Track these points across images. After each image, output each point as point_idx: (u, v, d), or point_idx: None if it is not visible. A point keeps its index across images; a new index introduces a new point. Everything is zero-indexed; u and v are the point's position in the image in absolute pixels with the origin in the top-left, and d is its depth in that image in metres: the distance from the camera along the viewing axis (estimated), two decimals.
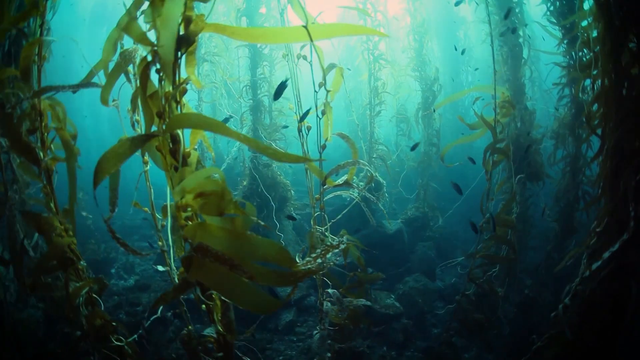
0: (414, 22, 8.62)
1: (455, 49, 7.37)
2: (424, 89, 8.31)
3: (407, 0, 8.61)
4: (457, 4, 5.57)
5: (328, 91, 2.65)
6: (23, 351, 4.04)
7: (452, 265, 6.76)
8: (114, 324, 3.08)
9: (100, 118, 19.05)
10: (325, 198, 3.56)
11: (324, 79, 2.59)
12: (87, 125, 19.16)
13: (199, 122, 1.68)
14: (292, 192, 7.08)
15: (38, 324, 4.39)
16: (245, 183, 6.59)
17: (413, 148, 6.48)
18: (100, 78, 2.59)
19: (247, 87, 6.73)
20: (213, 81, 7.86)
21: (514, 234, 4.61)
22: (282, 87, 2.90)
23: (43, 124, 3.36)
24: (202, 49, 7.47)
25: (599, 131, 2.83)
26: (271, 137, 6.47)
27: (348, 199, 7.87)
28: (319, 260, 2.21)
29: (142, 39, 2.00)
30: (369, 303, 3.50)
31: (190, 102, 6.89)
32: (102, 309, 3.12)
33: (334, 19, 12.03)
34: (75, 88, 2.78)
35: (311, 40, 1.64)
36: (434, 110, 8.10)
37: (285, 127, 6.88)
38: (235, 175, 8.31)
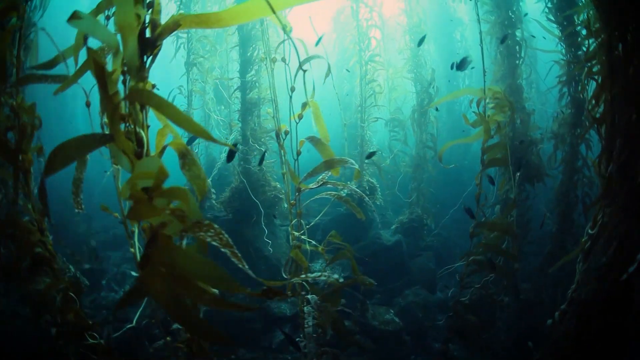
0: (410, 23, 8.47)
1: (454, 68, 7.15)
2: (420, 91, 8.13)
3: (404, 0, 8.47)
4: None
5: (304, 70, 2.48)
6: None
7: (453, 276, 6.53)
8: (90, 322, 3.05)
9: (95, 124, 18.86)
10: (313, 203, 3.41)
11: (301, 65, 2.42)
12: (81, 130, 19.01)
13: (146, 98, 1.62)
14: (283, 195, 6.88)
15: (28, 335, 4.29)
16: (233, 185, 6.42)
17: (369, 156, 6.30)
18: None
19: (238, 89, 6.58)
20: (202, 81, 7.67)
21: (515, 242, 4.41)
22: (232, 153, 3.01)
23: (21, 123, 3.32)
24: (191, 54, 7.32)
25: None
26: (260, 141, 6.30)
27: (344, 210, 7.71)
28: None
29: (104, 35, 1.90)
30: (343, 300, 3.37)
31: (180, 108, 6.65)
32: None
33: (328, 20, 11.96)
34: (44, 76, 2.79)
35: (273, 12, 1.47)
36: (437, 109, 7.91)
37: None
38: (229, 183, 8.14)
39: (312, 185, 2.90)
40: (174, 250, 1.35)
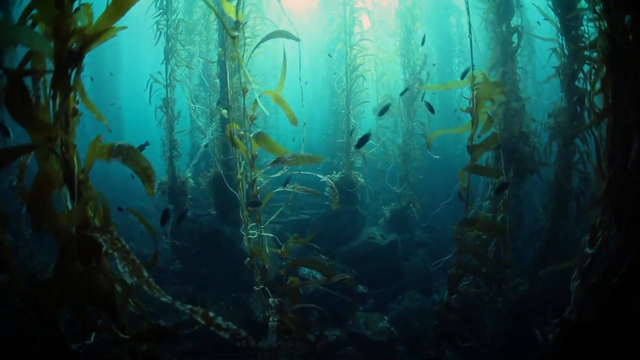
0: (403, 6, 8.08)
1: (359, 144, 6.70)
2: (409, 78, 7.77)
3: None
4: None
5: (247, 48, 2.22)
6: None
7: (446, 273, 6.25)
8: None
9: (84, 119, 18.58)
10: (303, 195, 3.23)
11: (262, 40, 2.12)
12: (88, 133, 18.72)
13: None
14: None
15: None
16: (209, 175, 6.16)
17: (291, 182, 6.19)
18: None
19: (217, 76, 6.28)
20: (184, 66, 7.27)
21: (508, 247, 4.14)
22: (165, 216, 3.67)
23: None
24: (170, 40, 6.92)
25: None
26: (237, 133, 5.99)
27: (329, 205, 7.43)
28: None
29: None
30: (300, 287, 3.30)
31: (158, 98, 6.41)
32: None
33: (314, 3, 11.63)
34: None
35: None
36: (423, 99, 7.56)
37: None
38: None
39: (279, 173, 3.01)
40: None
